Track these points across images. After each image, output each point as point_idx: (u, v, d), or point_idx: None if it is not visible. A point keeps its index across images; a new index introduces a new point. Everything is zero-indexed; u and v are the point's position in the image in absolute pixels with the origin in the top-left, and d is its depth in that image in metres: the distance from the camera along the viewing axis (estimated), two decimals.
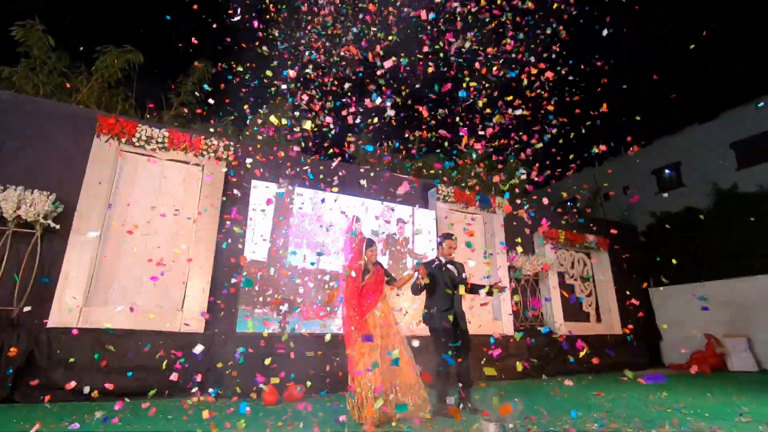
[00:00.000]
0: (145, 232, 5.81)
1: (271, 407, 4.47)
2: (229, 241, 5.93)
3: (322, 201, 6.72)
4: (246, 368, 5.05)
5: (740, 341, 8.95)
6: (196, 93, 8.83)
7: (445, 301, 4.09)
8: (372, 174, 7.67)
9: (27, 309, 4.78)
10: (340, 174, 7.02)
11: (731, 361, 8.87)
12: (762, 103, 13.48)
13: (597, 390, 5.78)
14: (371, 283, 3.99)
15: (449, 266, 4.29)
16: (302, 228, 6.73)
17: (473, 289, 4.37)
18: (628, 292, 9.53)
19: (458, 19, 4.83)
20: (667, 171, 17.37)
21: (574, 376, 7.94)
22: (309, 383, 4.90)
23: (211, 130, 6.71)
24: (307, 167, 6.77)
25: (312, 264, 6.41)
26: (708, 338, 9.37)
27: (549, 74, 4.76)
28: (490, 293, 4.21)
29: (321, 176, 6.88)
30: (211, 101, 6.30)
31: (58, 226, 5.16)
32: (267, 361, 4.66)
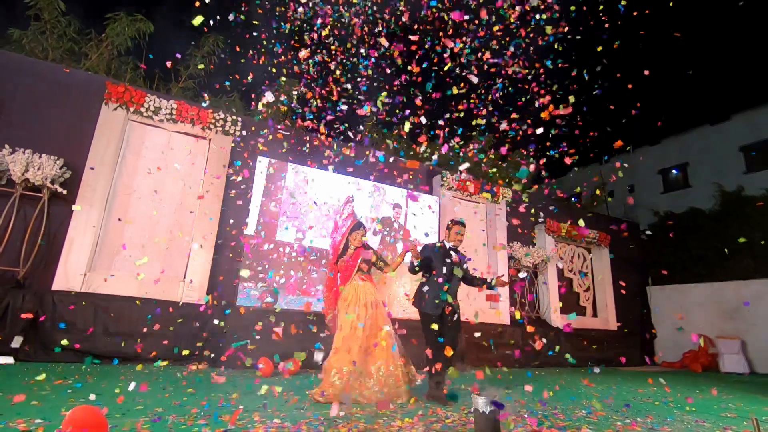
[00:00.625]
0: (151, 203, 5.86)
1: (267, 378, 4.58)
2: (231, 221, 5.98)
3: (310, 180, 6.74)
4: (244, 339, 5.14)
5: (733, 343, 9.03)
6: (205, 66, 8.78)
7: (439, 285, 3.91)
8: (371, 159, 7.66)
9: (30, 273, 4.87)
10: (347, 155, 7.02)
11: (723, 362, 8.96)
12: None
13: (589, 382, 5.87)
14: (343, 264, 4.00)
15: (453, 253, 4.11)
16: (299, 207, 6.76)
17: (474, 281, 4.24)
18: (622, 287, 9.60)
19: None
20: (674, 171, 17.25)
21: (567, 367, 8.05)
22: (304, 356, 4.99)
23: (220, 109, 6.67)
24: (307, 146, 6.77)
25: (311, 242, 6.46)
26: (700, 337, 9.45)
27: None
28: (491, 287, 4.09)
29: (316, 153, 6.89)
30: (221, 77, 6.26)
31: (65, 191, 5.21)
32: (265, 335, 4.75)
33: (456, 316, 3.97)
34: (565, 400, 4.03)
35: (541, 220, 9.40)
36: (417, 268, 3.99)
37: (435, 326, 3.73)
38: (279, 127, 7.01)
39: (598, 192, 14.91)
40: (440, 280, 3.92)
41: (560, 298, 9.20)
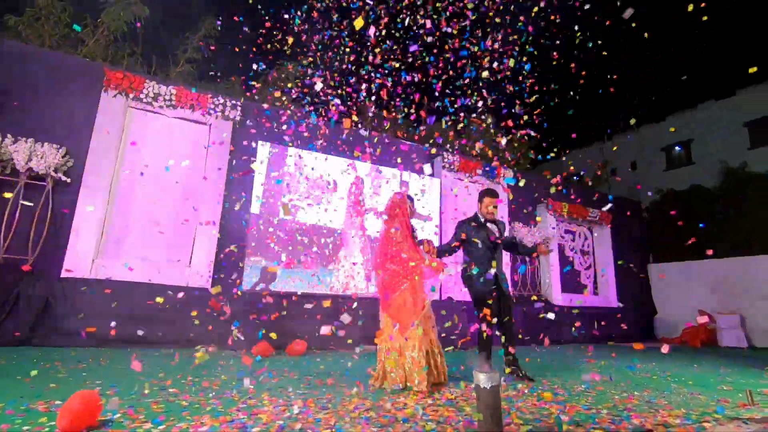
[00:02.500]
0: (154, 189, 5.90)
1: (268, 358, 4.70)
2: (235, 207, 6.01)
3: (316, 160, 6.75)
4: (250, 322, 5.26)
5: (732, 318, 9.14)
6: (203, 50, 8.69)
7: (485, 262, 3.81)
8: (376, 139, 7.65)
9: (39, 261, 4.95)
10: (345, 137, 7.02)
11: (722, 337, 9.09)
12: None
13: (589, 358, 5.99)
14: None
15: (489, 225, 3.98)
16: (301, 186, 6.81)
17: (518, 248, 4.18)
18: (620, 261, 9.68)
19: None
20: (677, 148, 17.10)
21: (569, 345, 8.20)
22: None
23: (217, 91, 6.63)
24: (305, 128, 6.76)
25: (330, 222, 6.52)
26: (701, 314, 9.57)
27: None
28: (534, 254, 4.09)
29: (314, 135, 6.89)
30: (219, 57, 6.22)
31: (69, 180, 5.25)
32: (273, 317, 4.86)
33: (507, 291, 3.94)
34: (565, 375, 4.13)
35: (543, 200, 9.42)
36: (446, 251, 3.90)
37: (489, 302, 3.68)
38: (281, 112, 6.98)
39: (599, 172, 14.86)
40: (484, 255, 3.85)
41: (561, 276, 9.31)
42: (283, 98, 7.44)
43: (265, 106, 7.03)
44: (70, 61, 5.90)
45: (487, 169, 8.76)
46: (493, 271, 3.79)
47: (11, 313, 4.61)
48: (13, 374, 3.07)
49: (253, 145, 6.48)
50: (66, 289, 4.95)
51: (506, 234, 4.16)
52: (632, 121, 17.06)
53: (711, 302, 9.71)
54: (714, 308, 9.57)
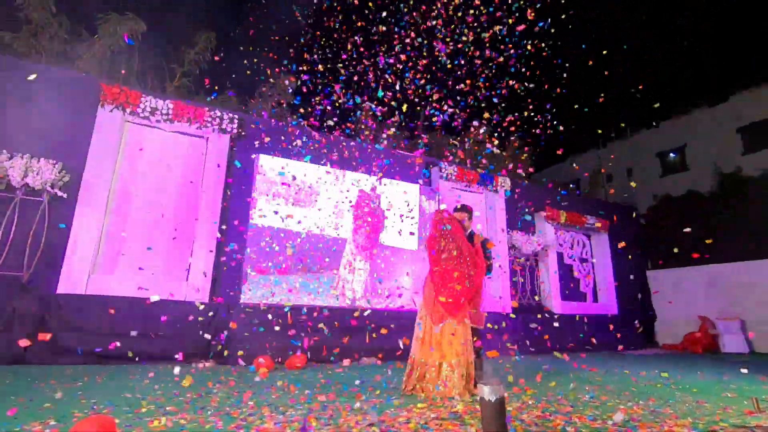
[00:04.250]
0: (151, 204, 5.88)
1: (272, 373, 4.63)
2: (234, 222, 6.00)
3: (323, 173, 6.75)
4: (249, 336, 5.20)
5: (733, 324, 9.12)
6: (200, 64, 8.74)
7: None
8: (368, 149, 7.67)
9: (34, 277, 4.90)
10: (343, 149, 7.03)
11: (723, 342, 9.06)
12: None
13: (591, 366, 5.94)
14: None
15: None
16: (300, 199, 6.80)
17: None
18: (622, 272, 9.65)
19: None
20: (671, 154, 17.21)
21: (570, 353, 8.13)
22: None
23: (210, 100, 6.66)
24: (306, 140, 6.78)
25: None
26: (702, 320, 9.55)
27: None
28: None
29: (319, 149, 6.91)
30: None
31: (65, 195, 5.22)
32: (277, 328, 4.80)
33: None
34: (567, 386, 4.08)
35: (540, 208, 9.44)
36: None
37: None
38: (280, 124, 7.01)
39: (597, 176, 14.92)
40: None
41: (560, 284, 9.29)
42: (282, 109, 7.47)
43: (265, 115, 7.05)
44: (66, 75, 5.91)
45: (485, 179, 8.78)
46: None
47: (5, 330, 4.54)
48: (7, 393, 3.00)
49: (252, 157, 6.48)
50: (62, 305, 4.88)
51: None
52: (622, 124, 17.13)
53: (711, 308, 9.69)
54: (714, 314, 9.54)
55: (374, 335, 6.03)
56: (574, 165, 17.80)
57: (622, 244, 9.14)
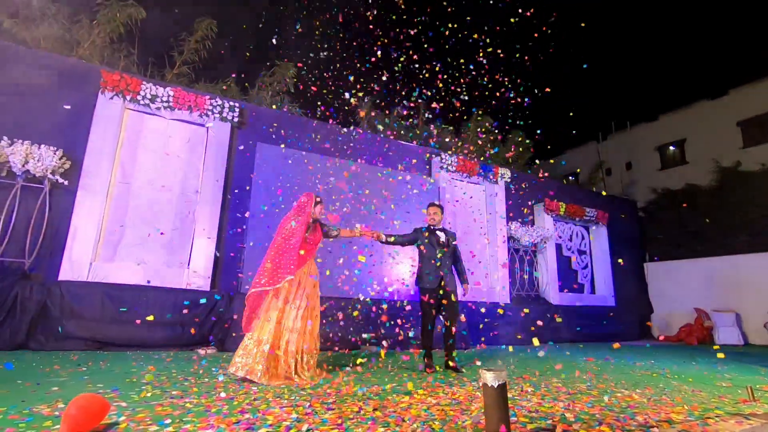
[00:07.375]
0: (152, 191, 5.87)
1: None
2: (234, 207, 6.00)
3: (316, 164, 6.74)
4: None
5: (728, 316, 9.22)
6: (200, 51, 8.66)
7: (431, 264, 4.37)
8: (373, 138, 7.66)
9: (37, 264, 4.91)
10: (342, 139, 7.02)
11: (718, 334, 9.17)
12: None
13: (588, 356, 6.02)
14: (312, 239, 3.91)
15: (438, 232, 4.51)
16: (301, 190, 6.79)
17: (458, 264, 4.62)
18: (621, 261, 9.72)
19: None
20: (671, 147, 17.21)
21: (567, 344, 8.23)
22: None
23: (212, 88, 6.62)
24: (312, 132, 6.76)
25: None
26: (697, 312, 9.66)
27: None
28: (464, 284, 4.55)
29: (317, 139, 6.89)
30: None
31: (66, 182, 5.21)
32: None
33: (453, 295, 4.36)
34: (566, 374, 4.15)
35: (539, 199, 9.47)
36: (391, 240, 4.46)
37: (431, 301, 4.25)
38: (284, 110, 6.99)
39: (596, 171, 14.94)
40: (431, 258, 4.39)
41: (558, 275, 9.36)
42: (282, 98, 7.44)
43: (269, 105, 7.03)
44: (66, 62, 5.86)
45: (485, 170, 8.79)
46: (440, 273, 4.33)
47: (8, 317, 4.56)
48: (14, 378, 3.04)
49: (252, 145, 6.47)
50: (64, 292, 4.90)
51: (456, 245, 4.67)
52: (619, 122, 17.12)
53: (707, 300, 9.79)
54: (710, 306, 9.65)
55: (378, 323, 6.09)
56: (574, 158, 17.80)
57: (621, 262, 9.35)
